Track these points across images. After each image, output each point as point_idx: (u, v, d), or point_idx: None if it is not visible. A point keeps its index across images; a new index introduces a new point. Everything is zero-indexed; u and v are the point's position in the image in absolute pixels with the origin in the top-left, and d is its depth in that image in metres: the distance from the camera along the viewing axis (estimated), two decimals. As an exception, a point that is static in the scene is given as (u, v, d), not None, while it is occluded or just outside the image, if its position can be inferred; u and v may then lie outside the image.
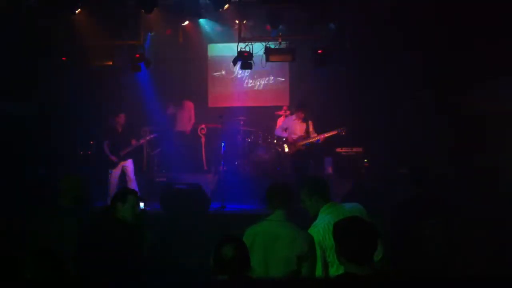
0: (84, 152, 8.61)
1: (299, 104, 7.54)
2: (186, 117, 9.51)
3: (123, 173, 7.67)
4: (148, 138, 8.27)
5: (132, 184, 7.59)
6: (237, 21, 8.38)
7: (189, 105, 9.59)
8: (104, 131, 7.92)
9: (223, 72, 10.38)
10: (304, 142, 7.42)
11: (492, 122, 7.05)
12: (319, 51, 7.70)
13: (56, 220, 3.77)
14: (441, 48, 7.59)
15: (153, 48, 8.98)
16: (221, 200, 7.36)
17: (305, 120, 7.49)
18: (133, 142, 7.76)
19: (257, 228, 3.11)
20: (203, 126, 9.58)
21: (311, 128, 7.50)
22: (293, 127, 7.56)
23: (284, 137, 7.74)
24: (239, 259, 2.55)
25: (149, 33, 8.82)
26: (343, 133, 7.36)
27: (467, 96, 7.51)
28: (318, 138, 7.39)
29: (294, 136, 7.50)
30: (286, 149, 7.59)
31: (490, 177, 6.62)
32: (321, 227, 3.05)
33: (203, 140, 9.57)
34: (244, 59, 7.83)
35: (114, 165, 7.58)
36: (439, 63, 7.67)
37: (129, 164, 7.69)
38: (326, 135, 7.40)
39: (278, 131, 8.01)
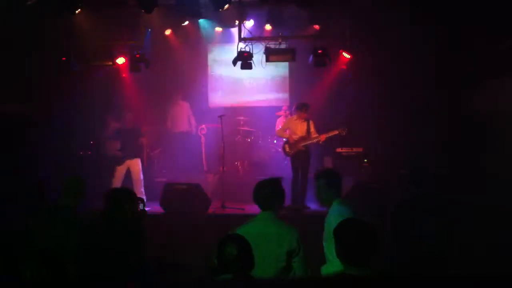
0: (84, 152, 8.61)
1: (300, 104, 7.52)
2: (185, 117, 9.52)
3: (128, 173, 7.62)
4: (147, 139, 8.27)
5: (139, 185, 7.52)
6: (237, 21, 8.38)
7: (186, 105, 9.60)
8: (109, 130, 7.92)
9: (223, 72, 10.38)
10: (306, 143, 7.41)
11: (492, 122, 7.05)
12: (319, 51, 7.70)
13: (56, 220, 3.77)
14: (441, 48, 7.59)
15: (153, 48, 8.99)
16: (221, 200, 7.36)
17: (306, 120, 7.47)
18: (139, 141, 7.76)
19: (246, 229, 3.15)
20: (203, 126, 9.59)
21: (312, 129, 7.48)
22: (294, 127, 7.55)
23: (285, 138, 7.73)
24: (243, 258, 2.56)
25: (148, 30, 8.80)
26: (344, 133, 7.34)
27: (467, 96, 7.51)
28: (320, 138, 7.37)
29: (295, 137, 7.49)
30: (287, 150, 7.58)
31: (490, 177, 6.62)
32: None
33: (203, 140, 9.58)
34: (244, 59, 7.82)
35: (119, 161, 7.53)
36: (439, 63, 7.67)
37: (136, 163, 7.58)
38: (327, 135, 7.38)
39: (280, 132, 8.00)
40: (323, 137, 7.36)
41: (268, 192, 3.26)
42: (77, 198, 3.95)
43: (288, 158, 7.69)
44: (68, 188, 3.93)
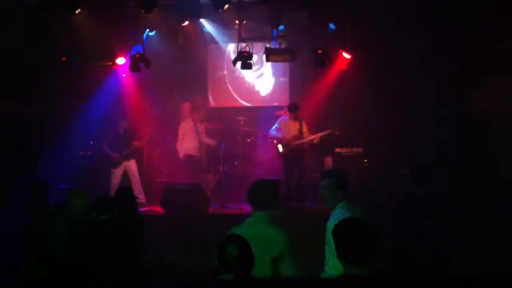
0: (84, 152, 8.61)
1: (291, 105, 7.65)
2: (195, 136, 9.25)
3: (125, 174, 7.72)
4: (148, 139, 8.31)
5: (137, 184, 7.69)
6: (237, 21, 8.37)
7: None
8: (105, 133, 7.98)
9: (223, 72, 10.37)
10: (299, 142, 7.46)
11: (493, 122, 7.05)
12: (319, 51, 7.69)
13: (56, 220, 3.77)
14: (442, 48, 7.59)
15: (153, 48, 8.97)
16: (221, 200, 7.36)
17: (298, 120, 7.53)
18: (135, 143, 7.83)
19: (238, 231, 3.03)
20: (202, 126, 9.57)
21: (304, 129, 7.56)
22: (286, 127, 7.63)
23: (278, 137, 7.76)
24: (244, 258, 2.55)
25: (148, 33, 8.79)
26: (337, 133, 7.39)
27: (467, 96, 7.52)
28: (313, 138, 7.43)
29: (288, 136, 7.55)
30: (280, 149, 7.61)
31: (491, 177, 6.62)
32: None
33: (202, 140, 9.55)
34: (244, 59, 7.82)
35: (116, 164, 7.63)
36: (439, 63, 7.67)
37: (132, 164, 7.80)
38: (320, 135, 7.44)
39: (273, 131, 8.00)
40: (317, 137, 7.41)
41: (263, 193, 3.17)
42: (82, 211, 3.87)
43: (283, 157, 7.69)
44: (72, 203, 3.86)
